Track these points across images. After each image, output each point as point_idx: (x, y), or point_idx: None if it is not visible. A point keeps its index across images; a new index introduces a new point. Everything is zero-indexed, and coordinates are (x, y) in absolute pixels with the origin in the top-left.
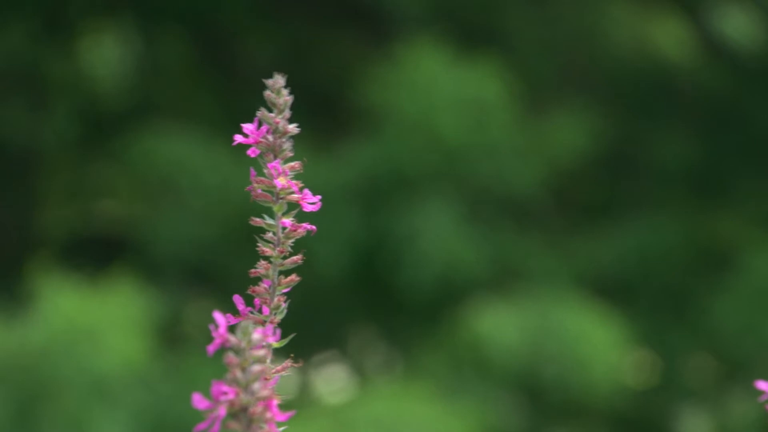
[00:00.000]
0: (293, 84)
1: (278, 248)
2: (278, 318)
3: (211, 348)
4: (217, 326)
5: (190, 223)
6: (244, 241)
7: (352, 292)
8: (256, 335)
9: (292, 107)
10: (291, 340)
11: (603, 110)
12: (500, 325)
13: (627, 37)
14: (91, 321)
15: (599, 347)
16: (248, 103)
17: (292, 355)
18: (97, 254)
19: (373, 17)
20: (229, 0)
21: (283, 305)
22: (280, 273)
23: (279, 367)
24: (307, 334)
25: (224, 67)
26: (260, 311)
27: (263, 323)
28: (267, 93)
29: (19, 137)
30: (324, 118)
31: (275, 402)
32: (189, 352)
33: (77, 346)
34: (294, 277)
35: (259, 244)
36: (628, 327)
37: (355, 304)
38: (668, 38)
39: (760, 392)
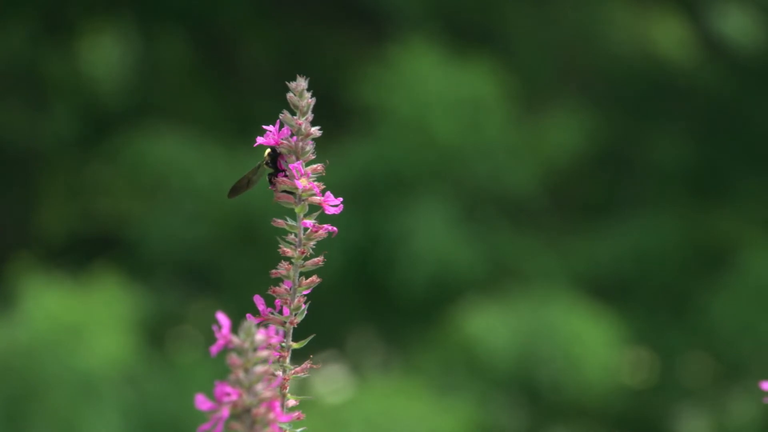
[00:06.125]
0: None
1: (299, 249)
2: (298, 319)
3: (214, 349)
4: (220, 327)
5: (182, 222)
6: (237, 241)
7: (349, 291)
8: (259, 336)
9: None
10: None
11: (601, 109)
12: (491, 325)
13: (626, 36)
14: (77, 319)
15: (593, 347)
16: (247, 102)
17: (311, 356)
18: (92, 253)
19: (370, 17)
20: (228, 1)
21: (303, 306)
22: (301, 274)
23: (299, 368)
24: (305, 334)
25: (223, 67)
26: (281, 312)
27: (283, 324)
28: (290, 95)
29: (19, 137)
30: (321, 117)
31: (278, 403)
32: (180, 350)
33: (63, 345)
34: (315, 279)
35: (280, 245)
36: (625, 326)
37: (353, 304)
38: (667, 38)
39: (759, 391)
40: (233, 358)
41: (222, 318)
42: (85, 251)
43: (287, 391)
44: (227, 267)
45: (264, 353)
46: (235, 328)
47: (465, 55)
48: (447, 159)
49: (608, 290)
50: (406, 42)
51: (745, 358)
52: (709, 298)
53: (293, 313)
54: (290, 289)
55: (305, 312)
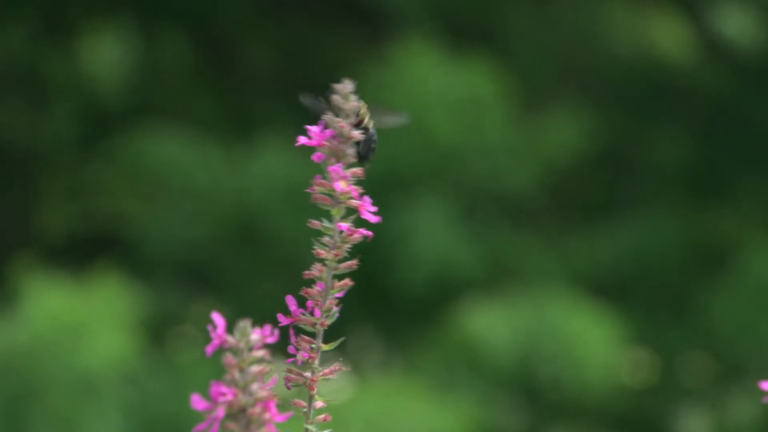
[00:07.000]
0: (292, 84)
1: (334, 251)
2: (329, 321)
3: (209, 348)
4: (215, 326)
5: (182, 222)
6: (237, 241)
7: (348, 291)
8: (254, 336)
9: (291, 107)
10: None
11: (601, 109)
12: (492, 324)
13: (626, 36)
14: (77, 319)
15: (594, 347)
16: (247, 102)
17: (340, 358)
18: (92, 253)
19: (370, 17)
20: (228, 1)
21: (335, 309)
22: (334, 276)
23: (327, 370)
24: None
25: (223, 67)
26: (312, 314)
27: (314, 326)
28: (335, 97)
29: (19, 137)
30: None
31: (274, 402)
32: (180, 350)
33: (63, 344)
34: (348, 281)
35: (315, 247)
36: (625, 326)
37: (352, 303)
38: (667, 38)
39: (759, 391)
40: (228, 357)
41: (217, 318)
42: (85, 251)
43: (315, 392)
44: (227, 267)
45: (259, 353)
46: (233, 328)
47: (465, 54)
48: (447, 159)
49: (608, 290)
50: (406, 42)
51: (745, 358)
52: (709, 298)
53: (324, 315)
54: (323, 291)
55: (336, 314)
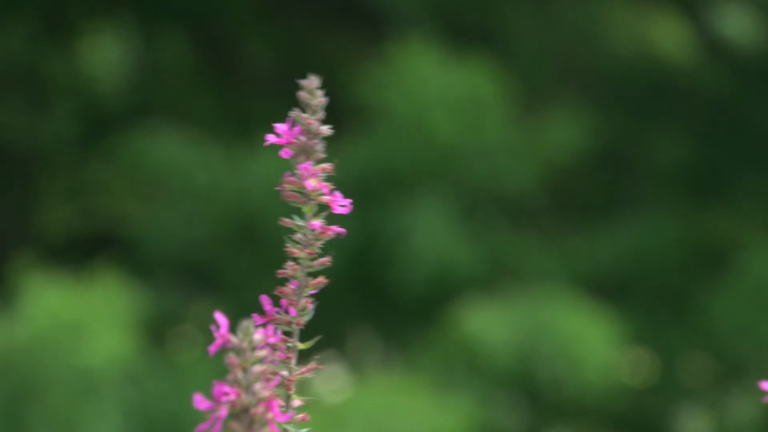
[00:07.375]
0: (291, 84)
1: (307, 250)
2: (304, 320)
3: (212, 348)
4: (218, 326)
5: (182, 222)
6: (237, 241)
7: (348, 291)
8: (257, 336)
9: (291, 107)
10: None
11: (601, 109)
12: (490, 324)
13: (626, 36)
14: (77, 317)
15: (593, 346)
16: (247, 102)
17: (317, 356)
18: (92, 253)
19: (370, 17)
20: (229, 1)
21: (310, 307)
22: (308, 274)
23: (304, 369)
24: (305, 334)
25: (223, 67)
26: (287, 312)
27: (289, 324)
28: (301, 93)
29: (19, 137)
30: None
31: (277, 402)
32: (180, 350)
33: (63, 343)
34: (322, 279)
35: (287, 245)
36: (625, 326)
37: (352, 303)
38: (667, 38)
39: (759, 391)
40: (231, 357)
41: (220, 317)
42: (85, 251)
43: (292, 391)
44: (227, 267)
45: (262, 353)
46: (234, 328)
47: (465, 54)
48: (447, 159)
49: (608, 290)
50: (406, 41)
51: (745, 358)
52: (709, 298)
53: (299, 314)
54: (297, 289)
55: (312, 313)
